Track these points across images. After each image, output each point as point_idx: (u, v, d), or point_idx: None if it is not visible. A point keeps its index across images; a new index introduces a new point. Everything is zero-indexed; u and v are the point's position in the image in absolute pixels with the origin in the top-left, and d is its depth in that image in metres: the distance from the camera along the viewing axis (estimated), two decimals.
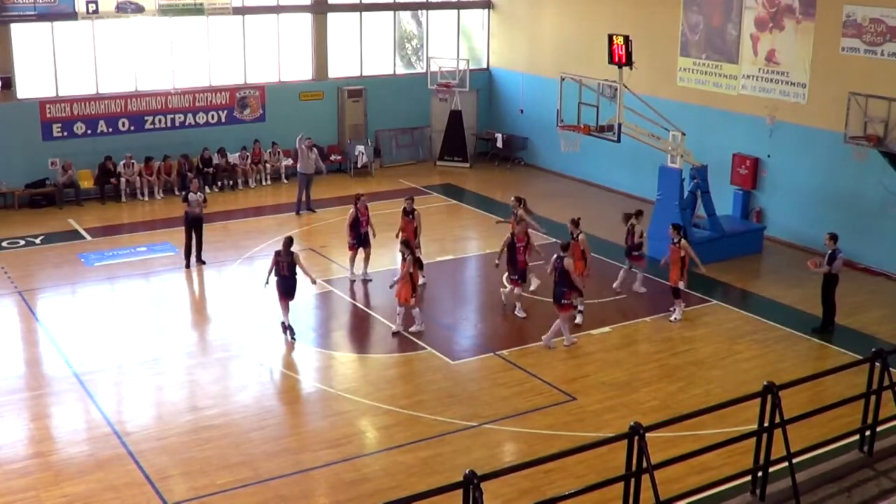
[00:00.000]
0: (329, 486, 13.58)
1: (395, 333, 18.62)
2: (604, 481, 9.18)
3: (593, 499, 9.36)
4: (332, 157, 31.74)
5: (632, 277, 20.99)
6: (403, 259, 18.65)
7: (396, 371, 17.30)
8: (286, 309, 18.31)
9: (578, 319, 19.16)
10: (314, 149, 27.63)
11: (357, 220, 21.28)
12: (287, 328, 18.28)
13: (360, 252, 21.54)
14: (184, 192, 22.69)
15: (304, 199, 27.18)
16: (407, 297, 18.39)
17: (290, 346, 18.12)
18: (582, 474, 13.00)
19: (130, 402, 16.08)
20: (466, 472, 7.94)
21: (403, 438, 14.75)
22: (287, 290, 18.20)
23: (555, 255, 18.13)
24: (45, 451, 14.32)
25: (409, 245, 18.96)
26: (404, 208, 21.71)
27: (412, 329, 18.66)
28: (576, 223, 19.62)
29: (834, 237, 18.71)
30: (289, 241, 18.28)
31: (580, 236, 19.36)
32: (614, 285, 20.93)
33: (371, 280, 21.45)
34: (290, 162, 30.48)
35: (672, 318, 19.56)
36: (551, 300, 18.33)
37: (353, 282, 21.44)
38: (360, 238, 21.33)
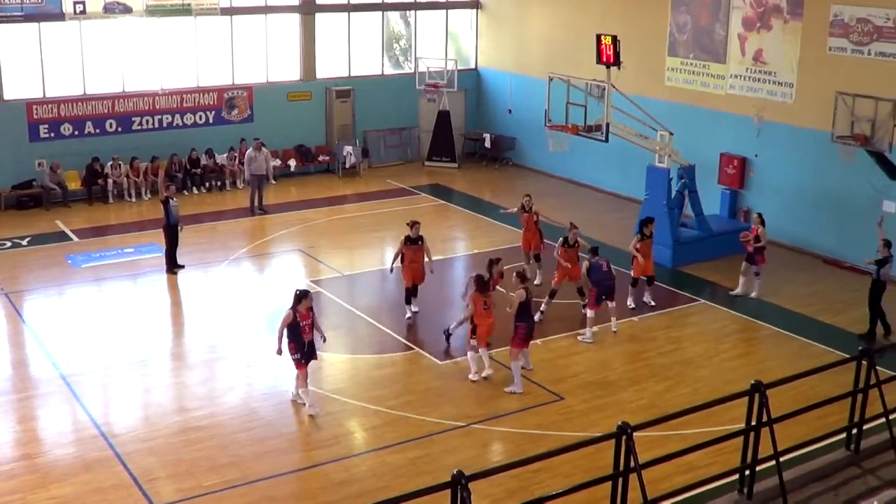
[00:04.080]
0: (317, 487, 13.56)
1: (486, 377, 16.83)
2: (591, 481, 9.17)
3: (581, 498, 9.35)
4: (321, 158, 31.74)
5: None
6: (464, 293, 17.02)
7: (384, 372, 17.28)
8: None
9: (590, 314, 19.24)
10: (263, 149, 27.32)
11: (297, 324, 15.40)
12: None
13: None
14: (167, 197, 21.80)
15: (256, 200, 27.03)
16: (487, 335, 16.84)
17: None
18: (570, 474, 12.99)
19: (117, 403, 16.03)
20: (454, 472, 7.93)
21: (392, 439, 14.74)
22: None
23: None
24: (31, 453, 14.26)
25: (484, 278, 16.79)
26: (408, 236, 19.05)
27: (485, 374, 16.84)
28: (574, 226, 19.78)
29: (888, 243, 18.58)
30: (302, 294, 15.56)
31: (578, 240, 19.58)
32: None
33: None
34: (278, 162, 30.47)
35: (652, 303, 20.26)
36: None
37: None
38: (303, 349, 15.48)
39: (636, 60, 25.41)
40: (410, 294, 19.40)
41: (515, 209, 21.73)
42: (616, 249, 21.69)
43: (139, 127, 28.85)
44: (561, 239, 19.63)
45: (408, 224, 19.44)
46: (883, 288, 18.67)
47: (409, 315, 19.41)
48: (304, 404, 15.49)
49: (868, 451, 10.93)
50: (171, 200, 21.73)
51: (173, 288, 21.40)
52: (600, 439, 9.60)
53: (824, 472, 10.57)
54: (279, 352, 15.39)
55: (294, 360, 15.49)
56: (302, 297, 15.36)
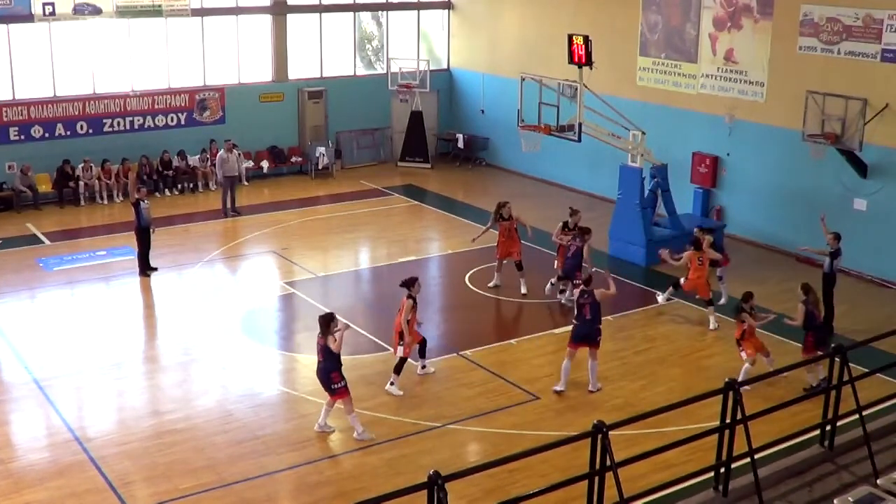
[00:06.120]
0: (293, 489, 13.54)
1: None
2: (568, 480, 9.20)
3: (558, 497, 9.39)
4: (293, 159, 31.65)
5: None
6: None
7: (360, 373, 17.21)
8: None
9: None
10: (234, 150, 27.35)
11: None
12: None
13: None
14: (138, 199, 21.62)
15: (228, 202, 26.93)
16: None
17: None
18: (546, 473, 13.00)
19: (91, 407, 15.93)
20: (430, 472, 7.94)
21: (368, 440, 14.71)
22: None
23: (581, 292, 16.47)
24: (4, 458, 14.13)
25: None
26: (410, 295, 16.30)
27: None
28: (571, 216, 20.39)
29: (838, 236, 18.74)
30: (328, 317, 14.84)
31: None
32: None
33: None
34: (250, 164, 30.36)
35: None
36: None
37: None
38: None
39: (608, 60, 25.48)
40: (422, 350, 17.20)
41: (489, 223, 21.29)
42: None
43: (110, 129, 28.64)
44: (561, 223, 20.19)
45: (406, 283, 16.45)
46: (834, 280, 18.93)
47: (425, 369, 17.25)
48: (355, 432, 14.73)
49: (842, 447, 11.03)
50: (142, 202, 21.60)
51: (146, 291, 21.28)
52: (576, 438, 9.64)
53: (799, 468, 10.66)
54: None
55: (341, 388, 14.67)
56: (330, 319, 14.70)
